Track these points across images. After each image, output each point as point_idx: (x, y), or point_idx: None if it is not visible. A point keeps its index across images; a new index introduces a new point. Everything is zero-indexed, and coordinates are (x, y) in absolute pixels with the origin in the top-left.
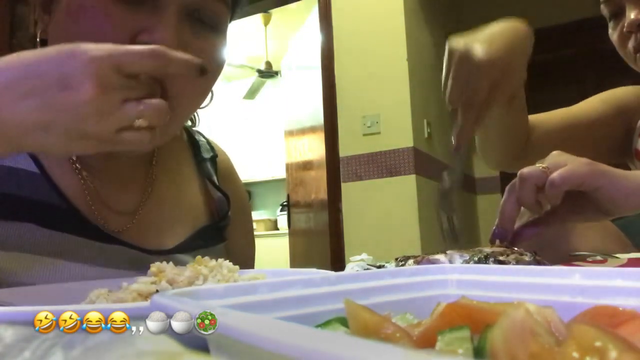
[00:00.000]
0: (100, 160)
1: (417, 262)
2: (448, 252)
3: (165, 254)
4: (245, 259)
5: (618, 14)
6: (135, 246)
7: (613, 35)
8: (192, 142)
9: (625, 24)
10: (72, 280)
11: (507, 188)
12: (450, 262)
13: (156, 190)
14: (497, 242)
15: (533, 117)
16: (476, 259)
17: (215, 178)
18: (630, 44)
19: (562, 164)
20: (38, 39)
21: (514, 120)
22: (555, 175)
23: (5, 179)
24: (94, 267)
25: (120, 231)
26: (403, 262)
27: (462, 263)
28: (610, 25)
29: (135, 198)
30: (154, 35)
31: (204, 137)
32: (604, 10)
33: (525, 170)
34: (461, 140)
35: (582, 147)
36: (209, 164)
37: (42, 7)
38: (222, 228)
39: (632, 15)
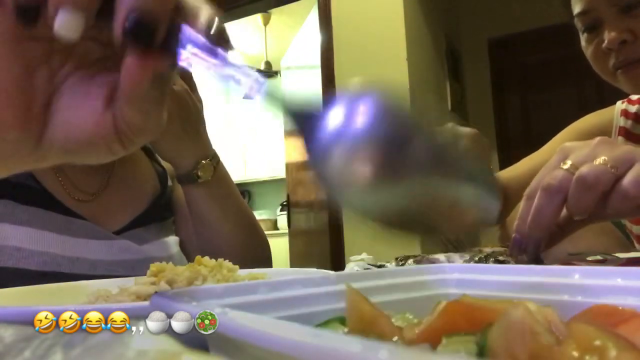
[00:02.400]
0: None
1: (417, 262)
2: (448, 253)
3: (121, 232)
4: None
5: (593, 28)
6: (96, 223)
7: (587, 49)
8: None
9: (606, 41)
10: (43, 245)
11: (536, 194)
12: (450, 262)
13: (116, 173)
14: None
15: (503, 174)
16: (477, 259)
17: (157, 157)
18: (611, 62)
19: (629, 159)
20: None
21: None
22: (629, 182)
23: None
24: (62, 235)
25: (85, 209)
26: (403, 262)
27: (463, 263)
28: (584, 37)
29: (98, 180)
30: None
31: None
32: (578, 23)
33: (588, 170)
34: None
35: None
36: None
37: None
38: (169, 201)
39: (613, 32)
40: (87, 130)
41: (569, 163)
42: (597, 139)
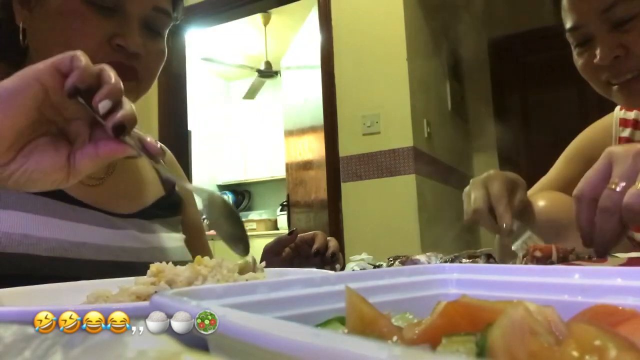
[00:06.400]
0: None
1: (402, 263)
2: (428, 253)
3: (128, 218)
4: (198, 228)
5: (585, 42)
6: (101, 209)
7: (578, 61)
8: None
9: (598, 57)
10: (49, 232)
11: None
12: (429, 262)
13: (120, 164)
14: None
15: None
16: (448, 259)
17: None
18: (603, 75)
19: (631, 174)
20: (22, 36)
21: None
22: (632, 198)
23: None
24: (67, 222)
25: (92, 194)
26: (392, 262)
27: (440, 263)
28: (576, 51)
29: (101, 169)
30: (127, 40)
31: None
32: (570, 37)
33: (633, 200)
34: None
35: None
36: None
37: (19, 1)
38: (175, 203)
39: (605, 49)
40: (47, 171)
41: (615, 182)
42: (637, 148)
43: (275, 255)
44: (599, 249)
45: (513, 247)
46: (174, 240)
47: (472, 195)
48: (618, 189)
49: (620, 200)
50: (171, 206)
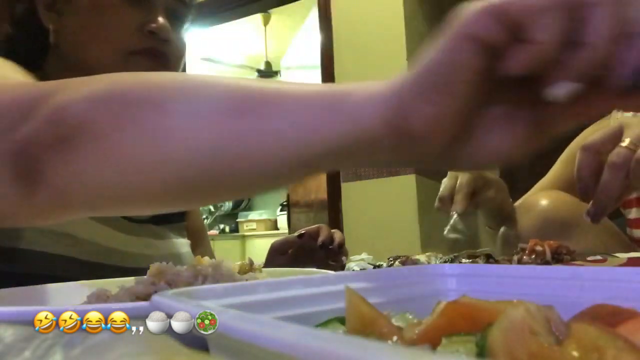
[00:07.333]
0: None
1: (402, 263)
2: (428, 253)
3: (142, 223)
4: (202, 232)
5: None
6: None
7: None
8: None
9: None
10: (87, 234)
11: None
12: (429, 262)
13: None
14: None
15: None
16: (447, 259)
17: None
18: None
19: None
20: (51, 37)
21: None
22: None
23: None
24: (101, 225)
25: None
26: (392, 262)
27: (439, 263)
28: None
29: None
30: (158, 26)
31: None
32: None
33: (615, 155)
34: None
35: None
36: None
37: (45, 6)
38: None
39: None
40: (499, 150)
41: (627, 140)
42: None
43: (280, 255)
44: (598, 205)
45: (445, 233)
46: (183, 245)
47: (443, 185)
48: (631, 146)
49: (630, 158)
50: (177, 211)
